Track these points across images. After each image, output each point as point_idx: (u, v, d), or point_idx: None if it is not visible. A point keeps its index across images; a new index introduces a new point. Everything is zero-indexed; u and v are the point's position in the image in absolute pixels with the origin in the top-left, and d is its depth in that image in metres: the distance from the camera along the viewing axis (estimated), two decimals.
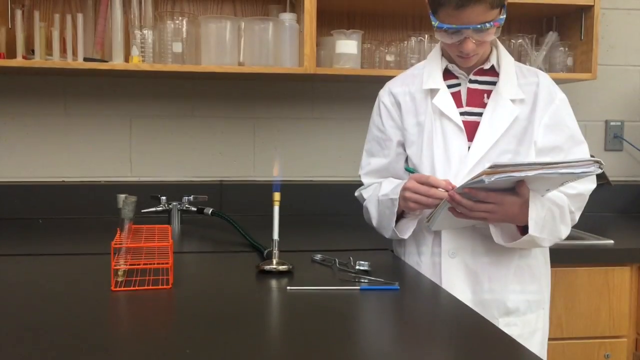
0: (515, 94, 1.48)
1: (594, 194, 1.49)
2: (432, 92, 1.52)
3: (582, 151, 1.49)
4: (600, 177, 2.19)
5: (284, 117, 2.37)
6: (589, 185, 1.48)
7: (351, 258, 1.42)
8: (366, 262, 1.39)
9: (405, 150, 1.56)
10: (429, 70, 1.54)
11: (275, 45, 2.06)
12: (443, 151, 1.48)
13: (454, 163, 1.47)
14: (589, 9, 2.20)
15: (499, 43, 1.53)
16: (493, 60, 1.51)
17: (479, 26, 1.36)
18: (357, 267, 1.39)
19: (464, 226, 1.45)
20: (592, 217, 2.15)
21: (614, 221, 2.37)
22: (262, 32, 2.05)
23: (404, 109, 1.55)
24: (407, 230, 1.50)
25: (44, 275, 1.40)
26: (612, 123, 2.53)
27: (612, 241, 1.90)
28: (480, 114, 1.48)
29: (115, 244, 1.25)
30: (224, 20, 2.04)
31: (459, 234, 1.46)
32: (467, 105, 1.50)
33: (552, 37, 2.29)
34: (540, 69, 1.82)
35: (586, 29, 2.23)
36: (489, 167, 1.24)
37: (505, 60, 1.51)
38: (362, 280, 1.30)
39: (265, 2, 2.27)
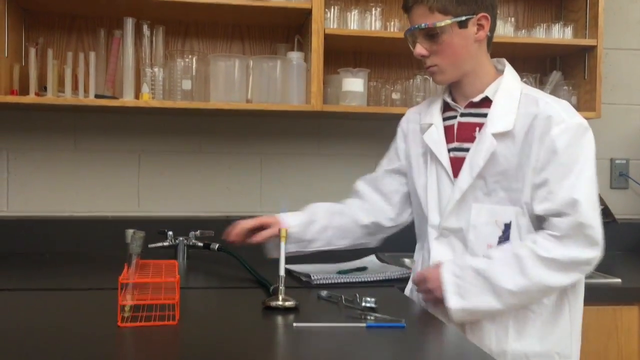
0: (502, 126, 1.40)
1: None
2: (428, 126, 1.54)
3: (568, 186, 1.34)
4: (607, 215, 2.18)
5: (291, 153, 2.39)
6: (571, 251, 1.33)
7: (357, 294, 1.42)
8: (372, 299, 1.39)
9: (399, 175, 1.65)
10: (433, 104, 1.57)
11: (283, 83, 2.09)
12: (435, 188, 1.50)
13: (442, 201, 1.49)
14: (592, 49, 2.23)
15: (505, 73, 1.47)
16: (488, 92, 1.45)
17: (416, 27, 1.42)
18: (363, 304, 1.38)
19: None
20: None
21: (621, 259, 2.35)
22: (270, 70, 2.08)
23: (411, 138, 1.61)
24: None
25: (50, 310, 1.40)
26: (617, 161, 2.54)
27: (619, 280, 1.88)
28: (468, 150, 1.46)
29: (123, 280, 1.25)
30: (232, 59, 2.08)
31: None
32: (457, 140, 1.48)
33: (556, 76, 2.32)
34: None
35: (589, 68, 2.26)
36: None
37: (503, 91, 1.44)
38: (369, 317, 1.30)
39: (273, 40, 2.31)
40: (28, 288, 1.61)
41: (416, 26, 1.42)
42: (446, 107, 1.54)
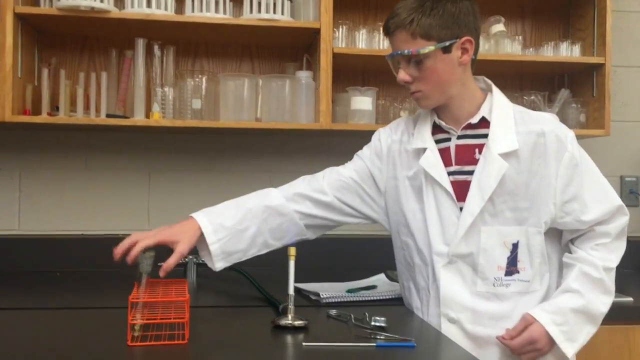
0: (507, 146, 1.39)
1: None
2: (422, 150, 1.47)
3: (598, 193, 1.44)
4: None
5: (300, 171, 2.36)
6: (620, 250, 1.45)
7: (366, 314, 1.42)
8: (382, 318, 1.38)
9: (365, 193, 1.57)
10: (419, 127, 1.50)
11: (292, 102, 2.10)
12: (436, 214, 1.44)
13: (447, 227, 1.43)
14: (600, 66, 2.23)
15: (494, 92, 1.46)
16: (483, 112, 1.44)
17: (399, 52, 1.39)
18: (373, 323, 1.38)
19: None
20: None
21: (632, 278, 2.33)
22: (279, 89, 2.10)
23: (398, 161, 1.53)
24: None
25: (60, 329, 1.41)
26: (627, 179, 2.53)
27: (631, 298, 1.87)
28: (471, 172, 1.42)
29: (133, 299, 1.26)
30: (242, 78, 2.10)
31: (458, 300, 1.43)
32: (456, 163, 1.44)
33: (564, 94, 2.33)
34: None
35: (598, 86, 2.26)
36: None
37: (498, 109, 1.43)
38: (378, 337, 1.29)
39: (282, 60, 2.33)
40: (38, 307, 1.62)
41: (398, 52, 1.39)
42: (435, 130, 1.49)
